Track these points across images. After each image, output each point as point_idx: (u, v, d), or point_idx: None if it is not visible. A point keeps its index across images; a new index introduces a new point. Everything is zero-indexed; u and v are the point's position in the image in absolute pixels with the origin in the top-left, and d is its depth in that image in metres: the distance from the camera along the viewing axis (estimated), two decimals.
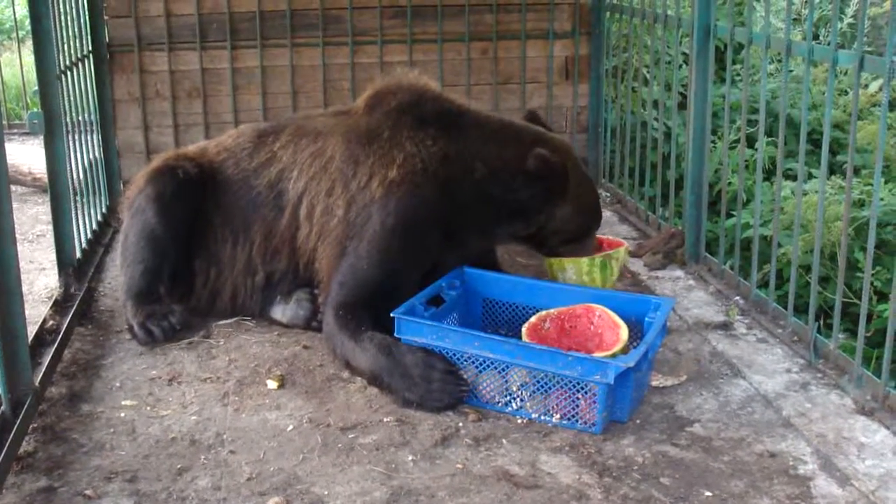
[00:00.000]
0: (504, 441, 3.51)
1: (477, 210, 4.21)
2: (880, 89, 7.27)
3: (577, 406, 3.56)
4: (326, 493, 3.19)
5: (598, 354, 3.62)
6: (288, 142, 4.48)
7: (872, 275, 3.78)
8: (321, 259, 4.26)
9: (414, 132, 4.20)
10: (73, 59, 5.29)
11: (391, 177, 4.12)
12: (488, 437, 3.53)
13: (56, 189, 4.66)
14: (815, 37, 8.10)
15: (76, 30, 5.49)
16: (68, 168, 4.82)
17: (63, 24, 5.08)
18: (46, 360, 3.93)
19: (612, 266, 4.53)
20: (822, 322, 4.91)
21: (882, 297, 5.30)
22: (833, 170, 6.41)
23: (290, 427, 3.61)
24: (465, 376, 3.72)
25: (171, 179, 4.50)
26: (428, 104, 4.31)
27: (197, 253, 4.54)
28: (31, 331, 3.98)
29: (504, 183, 4.18)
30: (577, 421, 3.58)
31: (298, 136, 4.47)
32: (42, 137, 4.59)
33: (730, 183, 5.73)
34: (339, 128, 4.40)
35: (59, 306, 4.51)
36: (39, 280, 5.25)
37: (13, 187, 4.13)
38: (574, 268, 4.53)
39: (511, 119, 4.55)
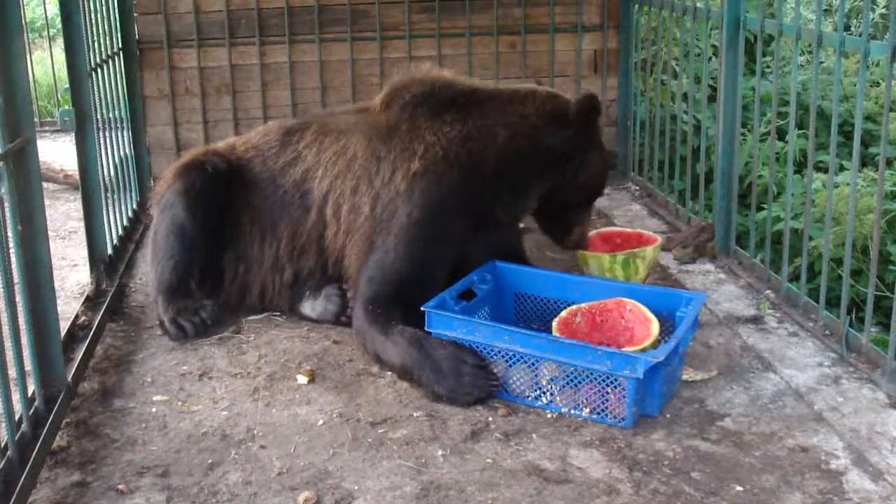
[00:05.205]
0: (534, 435, 3.51)
1: (507, 173, 4.24)
2: None
3: (607, 400, 3.55)
4: (356, 487, 3.19)
5: (628, 349, 3.61)
6: (312, 141, 4.50)
7: None
8: (350, 256, 4.28)
9: (431, 122, 4.24)
10: (104, 56, 5.32)
11: (414, 169, 4.14)
12: (518, 431, 3.53)
13: (87, 186, 4.70)
14: (847, 28, 8.03)
15: (106, 27, 5.52)
16: (99, 165, 4.85)
17: (93, 21, 5.12)
18: (79, 355, 3.97)
19: (637, 264, 4.51)
20: (853, 315, 4.88)
21: None
22: (865, 162, 6.36)
23: (321, 422, 3.62)
24: (495, 370, 3.72)
25: (199, 174, 4.53)
26: (441, 92, 4.35)
27: (226, 248, 4.57)
28: (64, 327, 4.01)
29: (530, 137, 4.22)
30: (606, 415, 3.57)
31: (322, 135, 4.50)
32: (73, 134, 4.63)
33: (760, 176, 5.69)
34: (359, 126, 4.42)
35: (91, 302, 4.54)
36: (71, 276, 5.29)
37: (45, 184, 4.15)
38: (596, 264, 4.53)
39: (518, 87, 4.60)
